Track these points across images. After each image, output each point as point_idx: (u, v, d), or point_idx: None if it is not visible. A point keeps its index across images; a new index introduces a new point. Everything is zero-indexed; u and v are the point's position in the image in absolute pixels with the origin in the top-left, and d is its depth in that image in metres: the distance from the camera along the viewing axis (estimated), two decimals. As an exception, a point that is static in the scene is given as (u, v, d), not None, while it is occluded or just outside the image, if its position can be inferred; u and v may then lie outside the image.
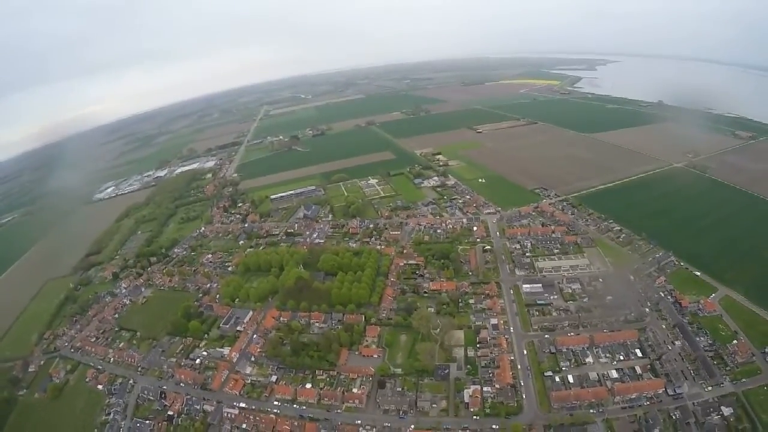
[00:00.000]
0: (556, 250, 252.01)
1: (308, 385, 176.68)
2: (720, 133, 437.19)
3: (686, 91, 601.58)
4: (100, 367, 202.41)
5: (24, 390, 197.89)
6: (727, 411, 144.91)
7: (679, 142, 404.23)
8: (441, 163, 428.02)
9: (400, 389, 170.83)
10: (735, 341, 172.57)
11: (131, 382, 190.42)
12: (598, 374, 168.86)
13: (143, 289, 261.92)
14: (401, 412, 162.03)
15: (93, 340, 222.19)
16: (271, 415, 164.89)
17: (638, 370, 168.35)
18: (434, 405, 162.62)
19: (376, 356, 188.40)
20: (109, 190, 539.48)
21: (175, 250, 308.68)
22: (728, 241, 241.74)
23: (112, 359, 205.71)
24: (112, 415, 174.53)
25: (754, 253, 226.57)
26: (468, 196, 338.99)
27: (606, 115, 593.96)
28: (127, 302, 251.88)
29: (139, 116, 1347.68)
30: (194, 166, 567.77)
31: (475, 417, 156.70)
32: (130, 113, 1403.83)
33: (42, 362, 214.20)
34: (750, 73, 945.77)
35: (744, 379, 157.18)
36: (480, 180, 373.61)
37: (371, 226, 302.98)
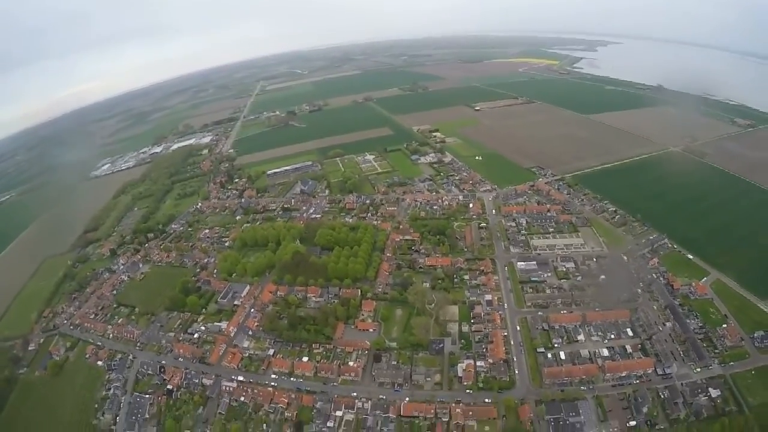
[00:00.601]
0: (551, 229, 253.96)
1: (305, 359, 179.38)
2: (718, 119, 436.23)
3: (686, 76, 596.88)
4: (99, 343, 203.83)
5: (24, 368, 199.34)
6: (714, 392, 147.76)
7: (678, 126, 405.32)
8: (438, 140, 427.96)
9: (395, 363, 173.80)
10: (725, 325, 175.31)
11: (130, 357, 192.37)
12: (589, 352, 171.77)
13: (141, 265, 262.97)
14: (396, 385, 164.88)
15: (92, 316, 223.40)
16: (269, 388, 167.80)
17: (629, 349, 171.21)
18: (428, 378, 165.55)
19: (371, 330, 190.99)
20: (105, 167, 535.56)
21: (172, 226, 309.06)
22: (722, 226, 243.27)
23: (111, 335, 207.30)
24: (112, 390, 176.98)
25: (748, 240, 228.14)
26: (464, 173, 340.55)
27: (604, 96, 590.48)
28: (125, 278, 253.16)
29: (134, 93, 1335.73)
30: (190, 141, 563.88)
31: (468, 391, 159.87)
32: (124, 90, 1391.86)
33: (42, 340, 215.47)
34: (749, 60, 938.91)
35: (732, 363, 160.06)
36: (477, 157, 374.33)
37: (368, 201, 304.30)
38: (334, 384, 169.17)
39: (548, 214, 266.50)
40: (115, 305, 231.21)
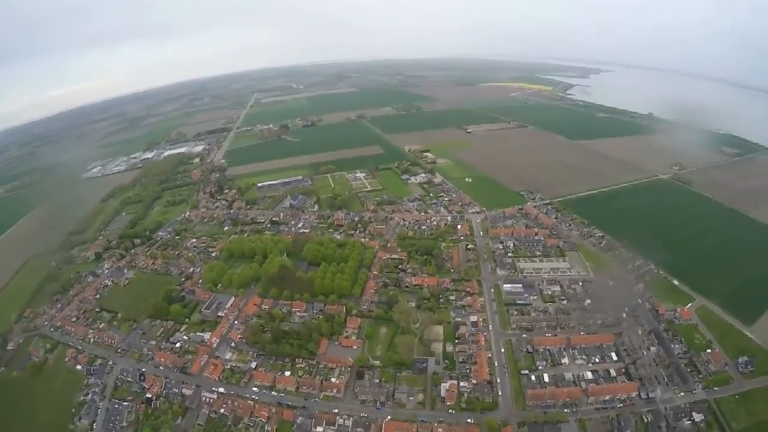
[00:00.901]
0: (538, 252, 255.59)
1: (287, 373, 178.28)
2: (706, 148, 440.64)
3: (676, 106, 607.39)
4: (79, 347, 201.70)
5: (2, 368, 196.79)
6: (698, 417, 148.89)
7: (666, 154, 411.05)
8: (429, 161, 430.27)
9: (378, 380, 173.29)
10: (709, 350, 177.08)
11: (110, 363, 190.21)
12: (573, 375, 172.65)
13: (126, 271, 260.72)
14: (378, 403, 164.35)
15: (73, 319, 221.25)
16: (250, 401, 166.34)
17: (613, 372, 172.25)
18: (411, 397, 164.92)
19: (355, 347, 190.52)
20: (95, 169, 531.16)
21: (160, 233, 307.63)
22: (707, 253, 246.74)
23: (92, 339, 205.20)
24: (90, 395, 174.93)
25: (732, 267, 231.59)
26: (454, 195, 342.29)
27: (595, 123, 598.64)
28: (109, 283, 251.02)
29: (129, 97, 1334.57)
30: (182, 149, 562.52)
31: (450, 411, 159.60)
32: (120, 93, 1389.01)
33: (21, 340, 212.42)
34: (739, 91, 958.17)
35: (716, 387, 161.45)
36: (467, 179, 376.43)
37: (356, 219, 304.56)
38: (316, 400, 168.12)
39: (536, 237, 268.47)
40: (97, 309, 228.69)
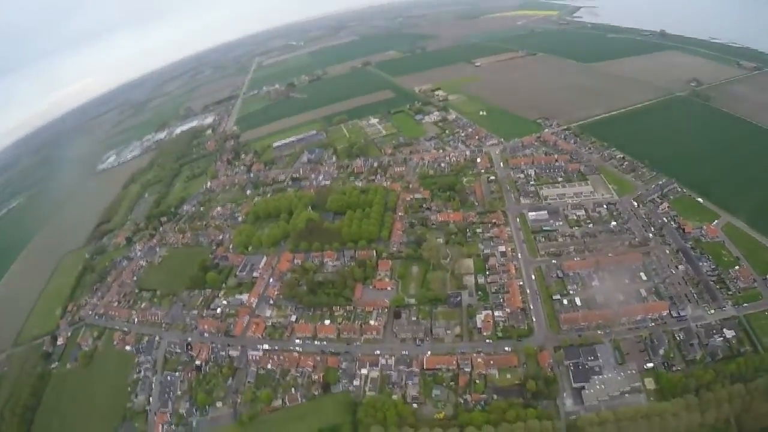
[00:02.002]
0: (559, 178, 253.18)
1: (327, 322, 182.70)
2: (724, 63, 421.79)
3: (689, 20, 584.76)
4: (125, 329, 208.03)
5: (56, 363, 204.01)
6: (729, 333, 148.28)
7: (682, 71, 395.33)
8: (441, 98, 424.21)
9: (415, 318, 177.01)
10: (737, 267, 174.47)
11: (157, 338, 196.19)
12: (604, 297, 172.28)
13: (158, 249, 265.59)
14: (417, 339, 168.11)
15: (115, 304, 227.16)
16: (294, 353, 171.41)
17: (643, 293, 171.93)
18: (449, 331, 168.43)
19: (389, 289, 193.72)
20: (111, 159, 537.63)
21: (185, 208, 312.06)
22: (730, 168, 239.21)
23: (136, 320, 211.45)
24: (142, 372, 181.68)
25: (757, 181, 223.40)
26: (470, 129, 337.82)
27: (606, 44, 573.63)
28: (144, 264, 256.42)
29: (130, 84, 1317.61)
30: (193, 124, 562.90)
31: (488, 341, 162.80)
32: (119, 83, 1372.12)
33: (69, 334, 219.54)
34: (753, 2, 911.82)
35: (745, 304, 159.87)
36: (481, 113, 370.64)
37: (375, 164, 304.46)
38: (357, 344, 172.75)
39: (556, 164, 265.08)
40: (136, 291, 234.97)
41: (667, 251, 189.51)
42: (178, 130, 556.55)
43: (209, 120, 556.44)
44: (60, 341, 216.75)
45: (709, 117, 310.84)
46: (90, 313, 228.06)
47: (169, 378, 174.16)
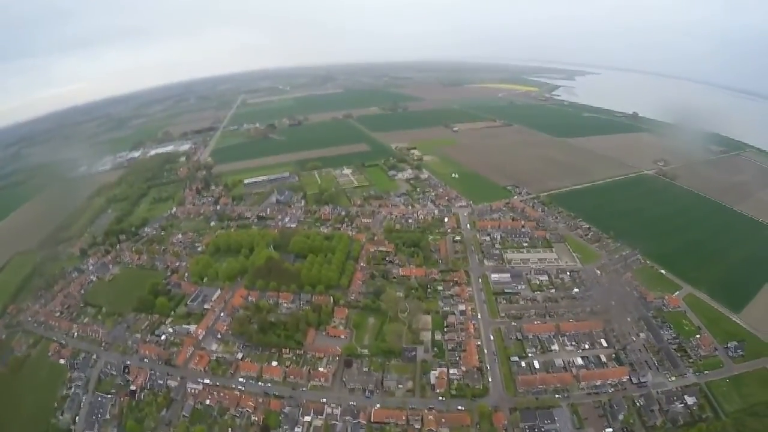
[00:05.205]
0: (525, 244, 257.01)
1: (274, 363, 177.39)
2: (691, 145, 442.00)
3: (661, 105, 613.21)
4: (63, 341, 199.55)
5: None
6: (690, 400, 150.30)
7: (651, 151, 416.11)
8: (416, 158, 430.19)
9: (366, 369, 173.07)
10: (698, 335, 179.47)
11: (94, 356, 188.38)
12: (563, 361, 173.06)
13: (111, 267, 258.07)
14: (367, 391, 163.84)
15: (57, 314, 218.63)
16: (236, 392, 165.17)
17: (603, 358, 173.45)
18: (400, 385, 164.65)
19: (343, 337, 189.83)
20: (81, 168, 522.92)
21: (146, 229, 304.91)
22: (693, 243, 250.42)
23: (75, 334, 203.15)
24: (73, 389, 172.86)
25: (718, 256, 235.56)
26: (441, 189, 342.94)
27: (581, 122, 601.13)
28: (94, 279, 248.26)
29: (115, 99, 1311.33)
30: (169, 149, 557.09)
31: (441, 398, 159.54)
32: (105, 95, 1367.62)
33: (3, 336, 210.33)
34: (722, 93, 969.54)
35: (706, 372, 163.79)
36: (453, 175, 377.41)
37: (343, 213, 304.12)
38: (304, 389, 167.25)
39: (522, 229, 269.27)
40: (81, 304, 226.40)
41: (629, 319, 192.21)
42: (152, 152, 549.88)
43: (185, 147, 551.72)
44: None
45: (674, 194, 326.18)
46: (30, 318, 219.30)
47: (100, 399, 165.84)
